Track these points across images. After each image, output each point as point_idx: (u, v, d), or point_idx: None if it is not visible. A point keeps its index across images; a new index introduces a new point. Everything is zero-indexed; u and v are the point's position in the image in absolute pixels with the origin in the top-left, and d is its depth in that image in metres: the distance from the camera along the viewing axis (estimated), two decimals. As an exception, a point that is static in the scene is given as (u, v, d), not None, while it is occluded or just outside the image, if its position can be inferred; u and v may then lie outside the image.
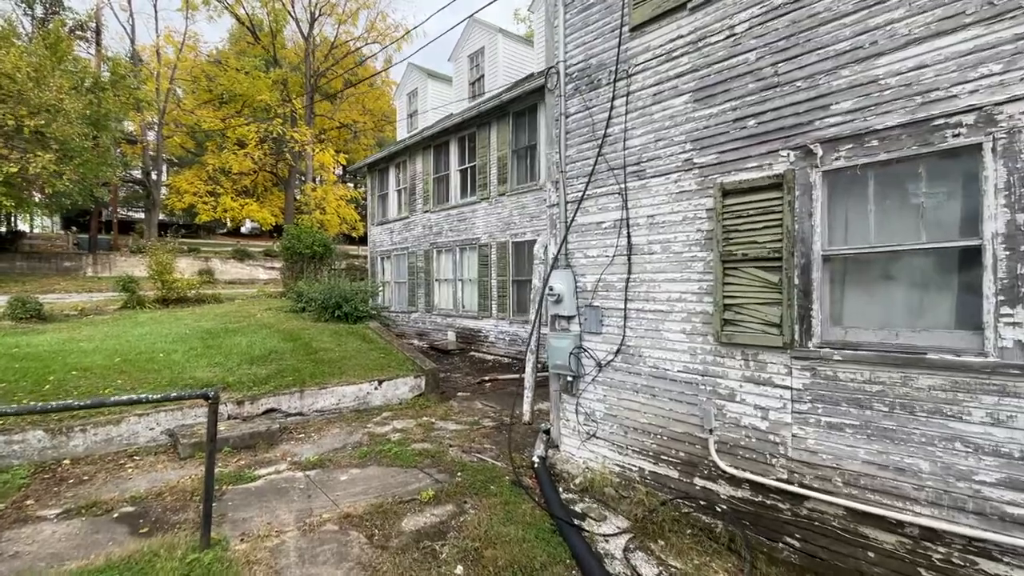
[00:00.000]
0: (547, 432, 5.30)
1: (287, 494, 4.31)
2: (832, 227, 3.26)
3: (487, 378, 9.54)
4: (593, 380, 4.73)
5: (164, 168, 39.50)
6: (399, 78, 17.94)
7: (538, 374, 5.77)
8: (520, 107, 11.41)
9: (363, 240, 29.46)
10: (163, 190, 35.02)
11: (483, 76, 14.00)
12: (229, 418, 5.74)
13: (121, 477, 4.58)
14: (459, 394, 8.38)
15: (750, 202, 3.55)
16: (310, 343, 8.70)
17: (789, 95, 3.37)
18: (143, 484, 4.44)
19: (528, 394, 5.25)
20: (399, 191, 16.32)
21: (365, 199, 30.09)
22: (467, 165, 13.22)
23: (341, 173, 46.56)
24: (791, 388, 3.38)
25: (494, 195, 12.21)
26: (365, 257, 25.47)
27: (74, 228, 33.99)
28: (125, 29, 28.29)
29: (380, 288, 14.81)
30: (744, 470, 3.61)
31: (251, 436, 5.40)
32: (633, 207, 4.36)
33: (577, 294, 4.84)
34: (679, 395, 4.03)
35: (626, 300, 4.41)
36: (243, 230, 49.58)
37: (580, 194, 4.79)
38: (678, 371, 4.04)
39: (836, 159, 3.16)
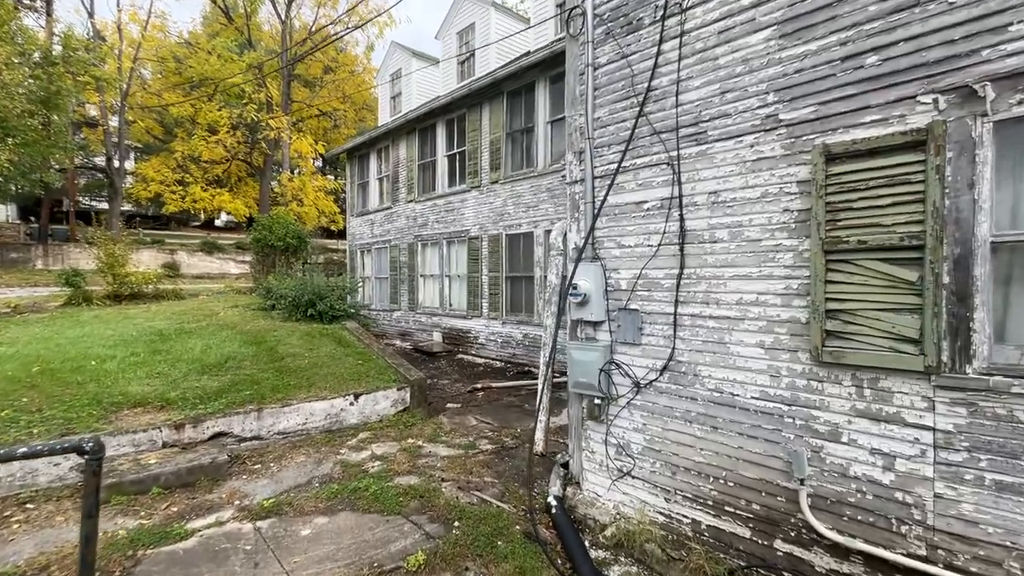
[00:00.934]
0: (565, 465, 4.28)
1: (227, 561, 3.21)
2: (1002, 203, 2.30)
3: (479, 385, 8.48)
4: (629, 404, 3.72)
5: (131, 155, 37.36)
6: (381, 58, 16.71)
7: (537, 384, 4.75)
8: (516, 85, 10.34)
9: (343, 234, 27.98)
10: (128, 179, 33.02)
11: (473, 55, 12.87)
12: (164, 446, 4.58)
13: (1, 538, 3.41)
14: (448, 406, 7.31)
15: (870, 169, 2.57)
16: (276, 347, 7.53)
17: (937, 15, 2.39)
18: (28, 549, 3.28)
19: (542, 418, 4.21)
20: (381, 179, 15.11)
21: (345, 191, 28.75)
22: (455, 150, 12.10)
23: (321, 165, 44.79)
24: (934, 429, 2.41)
25: (486, 183, 11.12)
26: (344, 251, 24.18)
27: (32, 218, 31.81)
28: (82, 2, 26.26)
29: (359, 284, 13.65)
30: (854, 536, 2.64)
31: (190, 471, 4.25)
32: (688, 181, 3.35)
33: (608, 294, 3.82)
34: (752, 429, 3.04)
35: (676, 303, 3.40)
36: (218, 223, 47.35)
37: (614, 167, 3.77)
38: (752, 397, 3.05)
39: (1017, 103, 2.19)
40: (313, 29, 31.21)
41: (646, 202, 3.59)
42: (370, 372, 6.70)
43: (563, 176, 9.25)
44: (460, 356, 11.57)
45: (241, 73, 27.44)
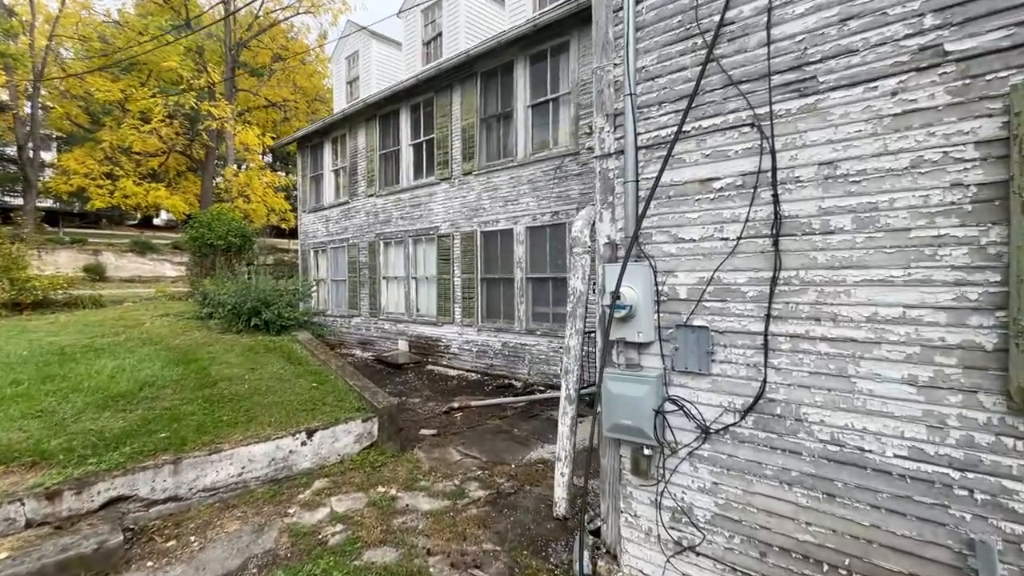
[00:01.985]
0: (596, 532, 3.25)
1: None
2: None
3: (456, 404, 7.36)
4: (691, 455, 2.73)
5: (52, 145, 33.67)
6: (336, 39, 15.23)
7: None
8: (491, 65, 9.26)
9: (295, 233, 25.98)
10: (48, 171, 29.65)
11: (440, 35, 11.70)
12: (28, 526, 3.23)
13: None
14: (423, 432, 6.16)
15: (1120, 117, 1.67)
16: (209, 368, 6.15)
17: None
18: None
19: (564, 470, 3.16)
20: (337, 171, 13.67)
21: (297, 187, 26.81)
22: (422, 139, 10.90)
23: (271, 160, 42.00)
24: None
25: (457, 175, 9.99)
26: (297, 252, 22.41)
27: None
28: (-12, -30, 23.16)
29: (313, 288, 12.22)
30: (1087, 676, 1.74)
31: (61, 566, 2.95)
32: (786, 148, 2.40)
33: (659, 305, 2.82)
34: (897, 502, 2.12)
35: (769, 318, 2.44)
36: (157, 221, 43.49)
37: (667, 132, 2.78)
38: (896, 456, 2.12)
39: None
40: (260, 13, 29.01)
41: (717, 179, 2.62)
42: (327, 398, 5.46)
43: (557, 164, 8.26)
44: (430, 367, 10.38)
45: (179, 58, 25.03)
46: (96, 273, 20.78)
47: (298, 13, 29.90)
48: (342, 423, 4.88)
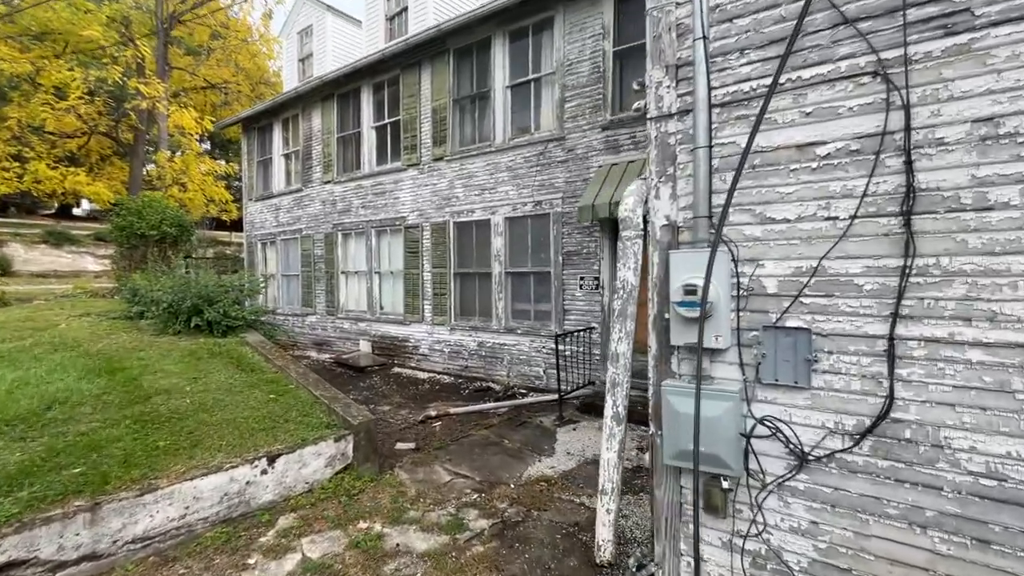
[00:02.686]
0: (648, 580, 2.67)
1: None
2: None
3: (433, 412, 6.63)
4: (780, 486, 2.20)
5: (-54, 124, 29.59)
6: (282, 24, 13.90)
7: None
8: (465, 41, 8.52)
9: (238, 226, 23.94)
10: (-59, 152, 25.99)
11: (406, 10, 10.80)
12: None
13: None
14: (400, 447, 5.41)
15: None
16: (139, 379, 5.12)
17: None
18: None
19: (611, 505, 2.56)
20: (288, 156, 12.46)
21: (241, 176, 24.95)
22: (387, 120, 9.99)
23: (210, 148, 38.90)
24: None
25: (427, 160, 9.19)
26: (240, 245, 20.72)
27: None
28: None
29: (263, 283, 11.04)
30: None
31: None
32: (924, 103, 1.89)
33: (741, 302, 2.27)
34: (1082, 551, 1.66)
35: (896, 317, 1.93)
36: (78, 211, 39.37)
37: (751, 86, 2.22)
38: (1084, 494, 1.66)
39: None
40: (196, -16, 26.61)
41: (821, 143, 2.09)
42: (290, 413, 4.62)
43: (539, 150, 7.53)
44: (396, 370, 9.54)
45: (101, 29, 22.54)
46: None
47: (239, -12, 27.75)
48: (311, 444, 4.07)
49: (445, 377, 8.85)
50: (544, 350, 7.68)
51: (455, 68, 8.81)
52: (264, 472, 3.74)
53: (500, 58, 8.14)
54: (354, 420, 4.44)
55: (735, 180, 2.14)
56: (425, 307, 9.31)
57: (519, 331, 7.98)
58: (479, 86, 8.54)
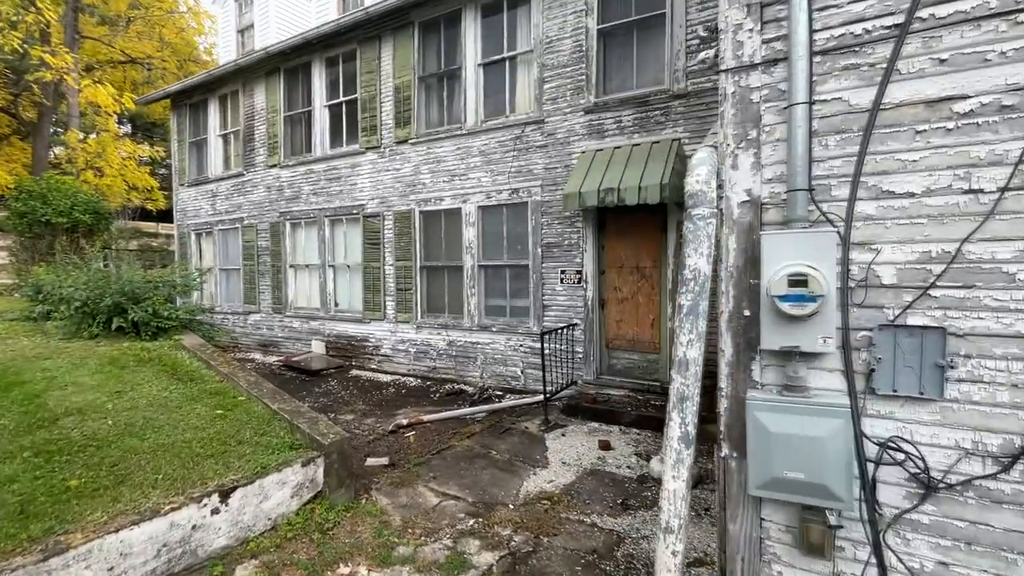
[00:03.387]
0: (720, 632, 2.22)
1: None
2: None
3: (404, 421, 5.96)
4: (897, 519, 1.81)
5: None
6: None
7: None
8: (433, 13, 7.81)
9: (166, 216, 21.68)
10: None
11: (361, -22, 9.90)
12: None
13: None
14: (371, 462, 4.73)
15: None
16: (43, 396, 4.15)
17: None
18: None
19: (679, 546, 2.07)
20: (226, 136, 11.20)
21: (170, 159, 22.73)
22: (342, 99, 9.08)
23: (131, 130, 35.25)
24: None
25: (389, 143, 8.41)
26: (170, 237, 18.88)
27: None
28: None
29: (201, 279, 9.82)
30: None
31: None
32: (1109, 44, 1.52)
33: (850, 296, 1.85)
34: None
35: (1065, 313, 1.56)
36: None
37: (868, 30, 1.79)
38: None
39: None
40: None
41: (963, 98, 1.69)
42: (243, 432, 3.84)
43: (516, 134, 6.91)
44: (355, 373, 8.72)
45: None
46: None
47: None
48: (273, 471, 3.34)
49: (411, 379, 8.15)
50: (522, 348, 7.17)
51: (420, 43, 8.08)
52: (215, 511, 2.99)
53: (472, 33, 7.50)
54: (324, 439, 3.74)
55: (807, 151, 1.70)
56: (387, 303, 8.55)
57: (494, 328, 7.43)
58: (448, 63, 7.86)
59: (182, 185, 11.99)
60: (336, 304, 9.39)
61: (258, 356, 10.09)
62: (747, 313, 2.00)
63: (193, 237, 11.82)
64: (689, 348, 2.04)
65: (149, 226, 26.23)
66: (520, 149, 7.09)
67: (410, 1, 7.71)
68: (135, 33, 26.91)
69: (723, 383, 2.09)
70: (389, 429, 5.78)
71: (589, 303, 6.62)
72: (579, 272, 6.69)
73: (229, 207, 10.89)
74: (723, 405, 2.10)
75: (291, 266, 9.92)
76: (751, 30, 1.99)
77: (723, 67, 2.04)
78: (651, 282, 6.37)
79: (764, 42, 1.97)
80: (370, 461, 4.84)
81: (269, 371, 8.83)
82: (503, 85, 7.38)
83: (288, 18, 11.56)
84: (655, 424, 5.52)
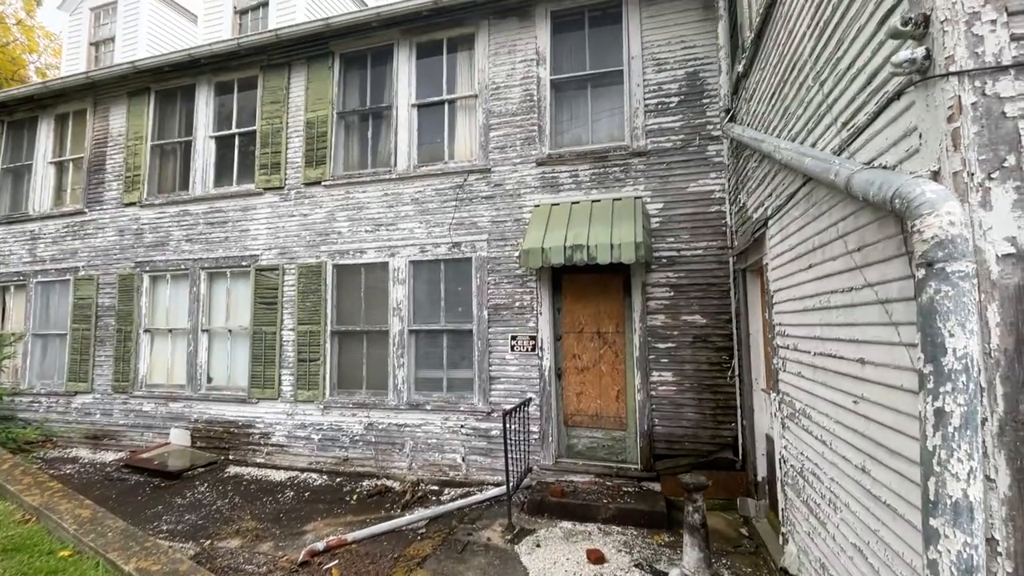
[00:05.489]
0: None
1: None
2: None
3: (320, 545, 4.36)
4: None
5: None
6: (56, 17, 10.27)
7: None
8: (358, 46, 6.91)
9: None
10: None
11: (266, 5, 8.74)
12: None
13: None
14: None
15: None
16: None
17: None
18: None
19: None
20: (61, 164, 8.77)
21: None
22: (235, 130, 7.57)
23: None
24: None
25: (295, 184, 7.06)
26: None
27: None
28: None
29: (8, 349, 7.02)
30: None
31: None
32: None
33: None
34: None
35: None
36: None
37: None
38: None
39: None
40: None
41: None
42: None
43: (458, 182, 6.07)
44: (235, 471, 6.68)
45: None
46: None
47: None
48: None
49: (315, 476, 6.41)
50: (463, 430, 6.00)
51: (342, 76, 7.08)
52: None
53: (405, 71, 6.72)
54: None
55: None
56: (284, 378, 6.83)
57: (427, 407, 6.18)
58: (375, 100, 6.93)
59: (-15, 223, 9.03)
60: (210, 380, 7.35)
61: (85, 453, 7.44)
62: (1037, 421, 1.32)
63: (-6, 291, 8.80)
64: (969, 484, 1.27)
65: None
66: (463, 199, 6.28)
67: (332, 29, 6.77)
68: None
69: (1000, 533, 1.35)
70: (299, 560, 4.17)
71: (546, 374, 5.77)
72: (533, 338, 5.86)
73: (57, 253, 8.34)
74: (1003, 568, 1.34)
75: (146, 331, 7.68)
76: (993, 21, 1.45)
77: (953, 69, 1.46)
78: (615, 349, 5.75)
79: (1014, 38, 1.44)
80: (280, 623, 3.27)
81: (104, 476, 6.42)
82: (441, 129, 6.62)
83: (163, 37, 9.82)
84: (638, 519, 4.70)
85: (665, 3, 5.80)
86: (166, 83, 7.92)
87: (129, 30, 9.59)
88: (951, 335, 1.32)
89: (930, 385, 1.35)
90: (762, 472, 4.56)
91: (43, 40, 24.54)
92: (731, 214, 5.30)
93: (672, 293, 5.50)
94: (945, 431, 1.31)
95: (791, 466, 3.31)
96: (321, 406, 6.60)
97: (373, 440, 6.34)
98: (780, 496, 3.66)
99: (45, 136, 8.79)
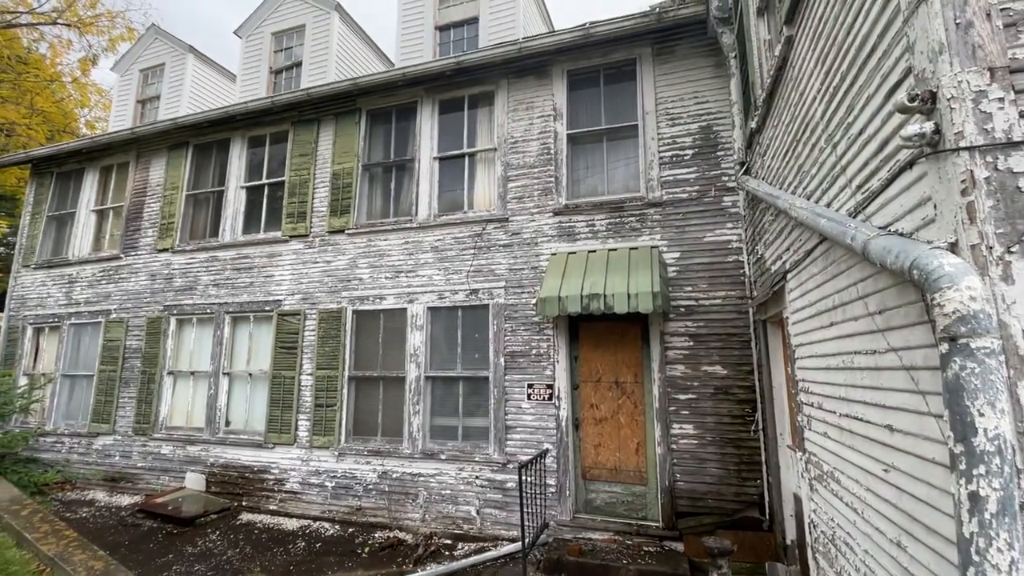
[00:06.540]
0: None
1: None
2: None
3: (328, 600, 4.25)
4: None
5: None
6: (127, 45, 11.13)
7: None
8: (383, 103, 7.29)
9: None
10: None
11: (300, 65, 9.33)
12: None
13: None
14: None
15: None
16: None
17: None
18: None
19: None
20: (103, 212, 9.26)
21: (9, 238, 19.25)
22: (264, 181, 7.94)
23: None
24: None
25: (320, 232, 7.30)
26: (-8, 328, 14.96)
27: None
28: None
29: (26, 396, 7.21)
30: None
31: None
32: None
33: None
34: None
35: None
36: None
37: None
38: None
39: None
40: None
41: None
42: None
43: (476, 231, 6.59)
44: (247, 518, 6.60)
45: None
46: None
47: (54, 23, 23.17)
48: None
49: (327, 525, 6.29)
50: (478, 482, 5.87)
51: (367, 130, 7.43)
52: None
53: (428, 126, 7.03)
54: None
55: None
56: (300, 423, 6.84)
57: (442, 456, 6.08)
58: (398, 153, 7.23)
59: (26, 267, 9.49)
60: (227, 423, 7.39)
61: (102, 496, 7.45)
62: (1081, 507, 1.25)
63: (30, 332, 9.13)
64: (1013, 573, 1.20)
65: (-35, 315, 20.95)
66: (481, 247, 6.40)
67: (360, 88, 7.17)
68: (-2, 96, 23.62)
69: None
70: (308, 618, 4.05)
71: (563, 424, 5.67)
72: (550, 387, 5.80)
73: (92, 296, 8.66)
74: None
75: (170, 373, 7.83)
76: (1001, 99, 1.48)
77: (956, 145, 1.49)
78: (633, 399, 5.64)
79: (1023, 113, 1.46)
80: None
81: (118, 521, 6.41)
82: (461, 180, 6.83)
83: (204, 96, 10.49)
84: (661, 583, 4.46)
85: (678, 61, 6.02)
86: (203, 137, 8.40)
87: (174, 89, 10.28)
88: (981, 414, 1.28)
89: (962, 466, 1.30)
90: (791, 535, 4.32)
91: (94, 95, 26.37)
92: (749, 264, 5.28)
93: (691, 343, 5.42)
94: (982, 517, 1.25)
95: (821, 532, 3.14)
96: (336, 452, 6.55)
97: (387, 489, 6.24)
98: (812, 564, 3.45)
99: (90, 186, 9.33)
